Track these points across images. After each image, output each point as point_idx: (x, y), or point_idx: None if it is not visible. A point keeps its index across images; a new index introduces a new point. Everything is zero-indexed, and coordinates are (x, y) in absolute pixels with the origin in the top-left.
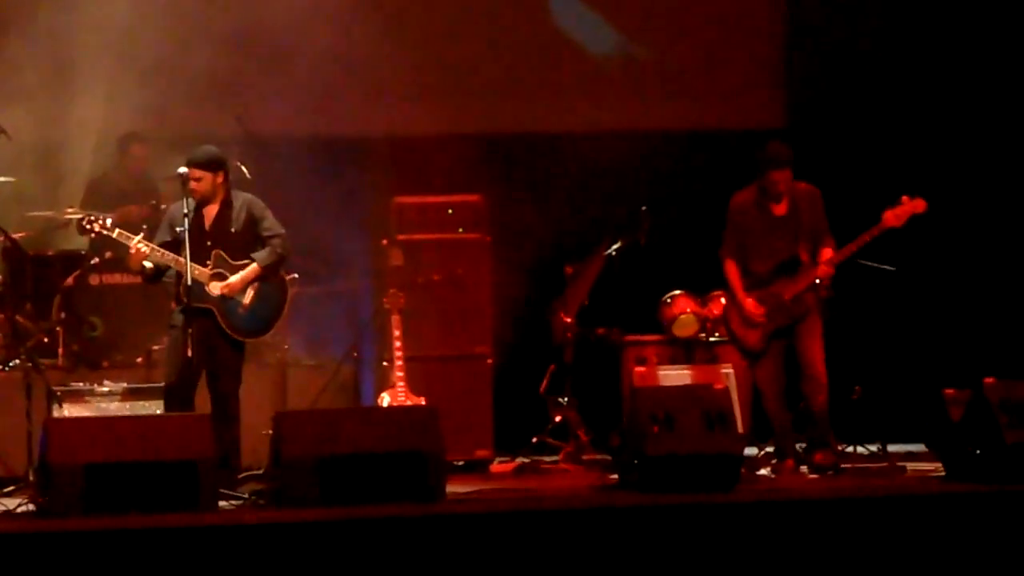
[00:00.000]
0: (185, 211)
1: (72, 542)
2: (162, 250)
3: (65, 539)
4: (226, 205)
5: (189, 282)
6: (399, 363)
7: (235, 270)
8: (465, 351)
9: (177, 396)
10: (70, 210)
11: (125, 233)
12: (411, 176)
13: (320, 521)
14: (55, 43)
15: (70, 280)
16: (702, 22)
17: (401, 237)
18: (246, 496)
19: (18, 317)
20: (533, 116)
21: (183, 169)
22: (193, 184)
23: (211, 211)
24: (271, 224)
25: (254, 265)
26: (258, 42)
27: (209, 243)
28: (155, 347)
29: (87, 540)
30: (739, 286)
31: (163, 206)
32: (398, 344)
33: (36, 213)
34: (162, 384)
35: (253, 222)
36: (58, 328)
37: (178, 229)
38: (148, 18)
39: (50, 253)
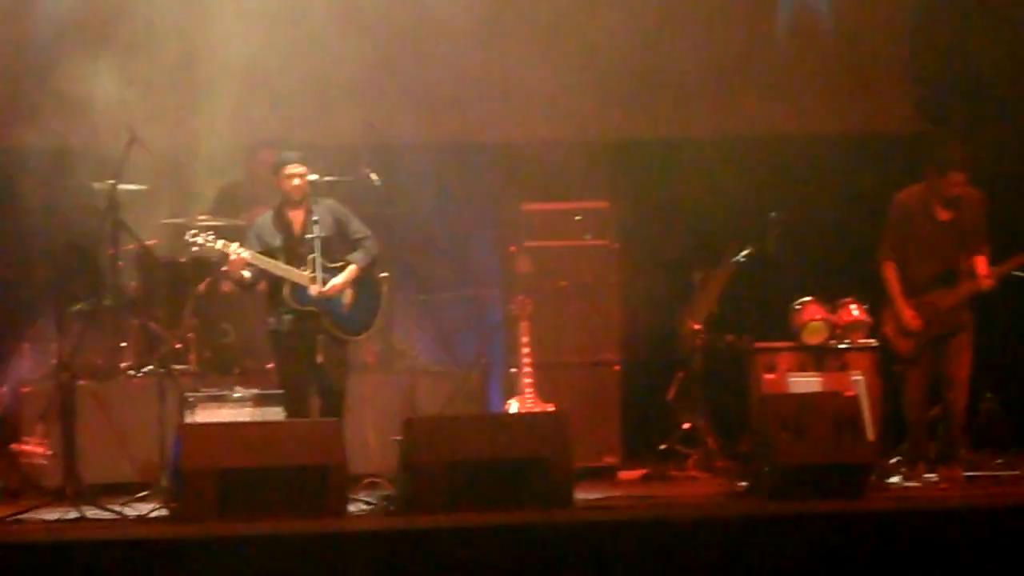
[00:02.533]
0: (315, 218)
1: (205, 547)
2: (262, 257)
3: (198, 544)
4: (308, 210)
5: (320, 287)
6: (527, 370)
7: (331, 273)
8: (593, 358)
9: (297, 401)
10: (202, 217)
11: (225, 242)
12: (539, 183)
13: (449, 527)
14: (187, 47)
15: (202, 286)
16: (830, 22)
17: (529, 244)
18: (375, 501)
19: (151, 324)
20: (661, 122)
21: (313, 176)
22: (300, 182)
23: (297, 216)
24: (359, 226)
25: (353, 267)
26: (388, 49)
27: (302, 248)
28: None
29: (219, 545)
30: (899, 292)
31: None
32: (526, 351)
33: (169, 220)
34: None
35: (340, 225)
36: (190, 334)
37: (307, 236)
38: (278, 26)
39: (182, 260)
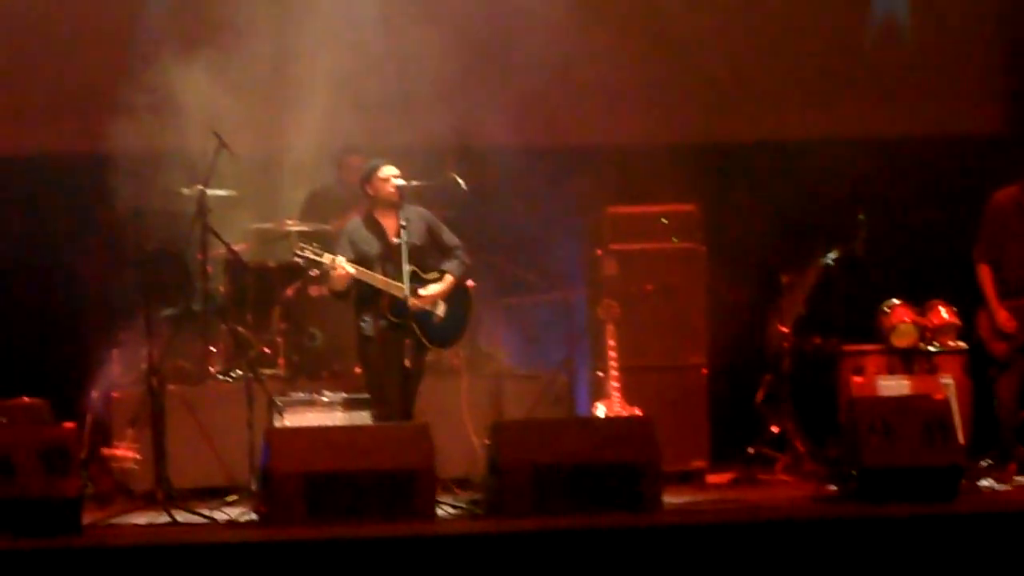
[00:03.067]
0: (402, 223)
1: (294, 551)
2: (364, 271)
3: (287, 548)
4: (399, 216)
5: (416, 299)
6: (614, 373)
7: (425, 283)
8: (680, 361)
9: (385, 405)
10: (290, 222)
11: (331, 256)
12: (625, 185)
13: (536, 531)
14: (276, 52)
15: (290, 291)
16: (918, 24)
17: (615, 247)
18: (463, 505)
19: (240, 328)
20: (748, 124)
21: (399, 181)
22: (394, 185)
23: (389, 223)
24: (450, 236)
25: (449, 278)
26: (474, 53)
27: (397, 257)
28: None
29: (308, 549)
30: (994, 294)
31: None
32: (613, 354)
33: (257, 225)
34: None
35: (431, 233)
36: (279, 339)
37: (395, 240)
38: (365, 32)
39: (271, 264)
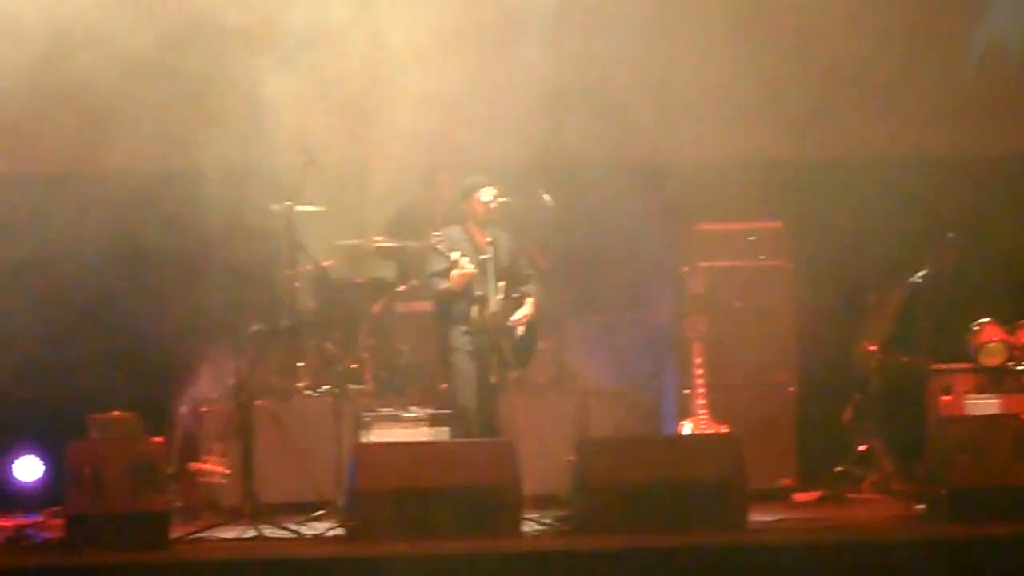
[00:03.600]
0: (489, 239)
1: (381, 566)
2: (481, 278)
3: (374, 563)
4: (489, 235)
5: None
6: (700, 391)
7: (513, 301)
8: (767, 379)
9: (473, 420)
10: (378, 238)
11: (460, 253)
12: (712, 202)
13: (622, 548)
14: (364, 70)
15: (377, 307)
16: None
17: (702, 264)
18: (549, 522)
19: (327, 344)
20: (837, 142)
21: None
22: (496, 205)
23: (480, 241)
24: (527, 265)
25: (531, 299)
26: (564, 69)
27: (491, 272)
28: None
29: (395, 564)
30: None
31: None
32: (699, 372)
33: (345, 241)
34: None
35: (512, 258)
36: (366, 354)
37: (481, 257)
38: (454, 48)
39: (358, 281)
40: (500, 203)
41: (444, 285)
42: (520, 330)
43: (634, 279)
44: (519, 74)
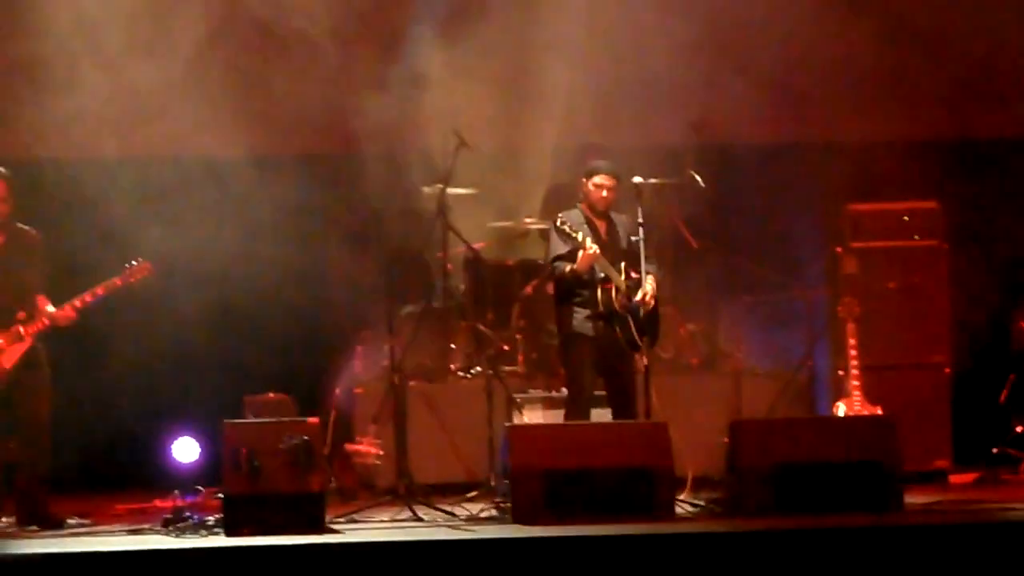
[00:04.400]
0: (640, 220)
1: (533, 547)
2: (602, 258)
3: (527, 544)
4: (610, 220)
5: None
6: (855, 372)
7: (635, 282)
8: (922, 360)
9: (585, 404)
10: (529, 220)
11: (583, 235)
12: (866, 182)
13: (775, 530)
14: (515, 51)
15: (529, 289)
16: None
17: (856, 244)
18: (702, 503)
19: (480, 325)
20: (992, 120)
21: (637, 179)
22: (609, 193)
23: (601, 224)
24: (644, 248)
25: (652, 277)
26: (717, 47)
27: (610, 255)
28: None
29: (547, 545)
30: None
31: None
32: (853, 353)
33: (496, 224)
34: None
35: (631, 243)
36: (518, 336)
37: (633, 239)
38: (600, 24)
39: (509, 262)
40: (648, 183)
41: (569, 267)
42: (643, 310)
43: (787, 260)
44: (673, 51)
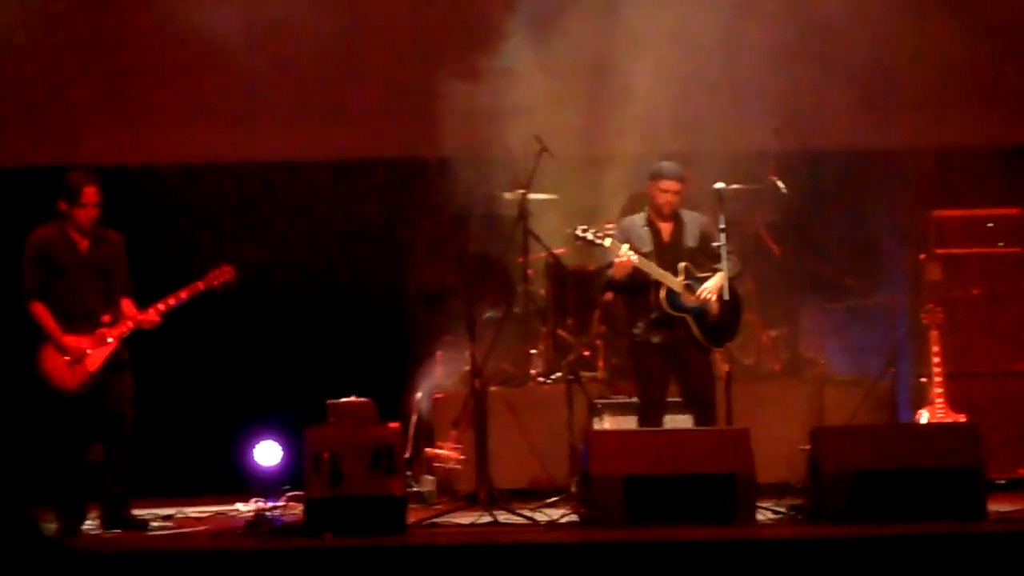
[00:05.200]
0: (722, 226)
1: (614, 553)
2: (645, 260)
3: (607, 550)
4: (678, 220)
5: (691, 294)
6: (938, 379)
7: (700, 281)
8: (1007, 367)
9: (655, 411)
10: (609, 226)
11: (614, 241)
12: (950, 189)
13: (856, 537)
14: (597, 56)
15: (609, 294)
16: None
17: (940, 251)
18: (784, 511)
19: (560, 331)
20: None
21: (719, 184)
22: (672, 197)
23: (666, 226)
24: (723, 241)
25: (720, 275)
26: (800, 53)
27: (670, 256)
28: None
29: (628, 551)
30: None
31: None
32: (937, 360)
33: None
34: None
35: (704, 239)
36: (598, 341)
37: (714, 244)
38: (686, 29)
39: (590, 268)
40: (730, 188)
41: (609, 276)
42: (713, 308)
43: (870, 266)
44: (756, 57)
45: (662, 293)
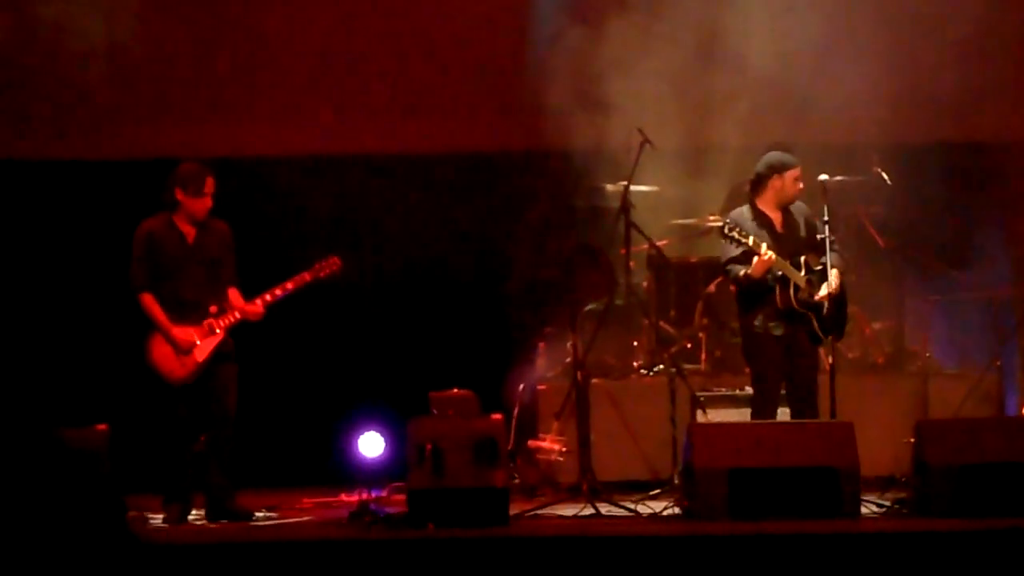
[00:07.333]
0: (826, 218)
1: (717, 546)
2: (780, 259)
3: (710, 543)
4: (786, 212)
5: (811, 288)
6: None
7: (817, 274)
8: None
9: (772, 404)
10: (712, 217)
11: (756, 240)
12: None
13: (961, 531)
14: (699, 47)
15: (712, 287)
16: None
17: None
18: (888, 504)
19: (662, 323)
20: None
21: (823, 176)
22: (803, 186)
23: (778, 217)
24: (826, 230)
25: (835, 271)
26: (899, 44)
27: (789, 249)
28: None
29: (731, 544)
30: None
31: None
32: None
33: (679, 221)
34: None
35: (809, 228)
36: (701, 334)
37: (819, 237)
38: (796, 25)
39: (693, 260)
40: (834, 180)
41: (744, 271)
42: (827, 303)
43: (976, 260)
44: (853, 49)
45: (791, 289)
